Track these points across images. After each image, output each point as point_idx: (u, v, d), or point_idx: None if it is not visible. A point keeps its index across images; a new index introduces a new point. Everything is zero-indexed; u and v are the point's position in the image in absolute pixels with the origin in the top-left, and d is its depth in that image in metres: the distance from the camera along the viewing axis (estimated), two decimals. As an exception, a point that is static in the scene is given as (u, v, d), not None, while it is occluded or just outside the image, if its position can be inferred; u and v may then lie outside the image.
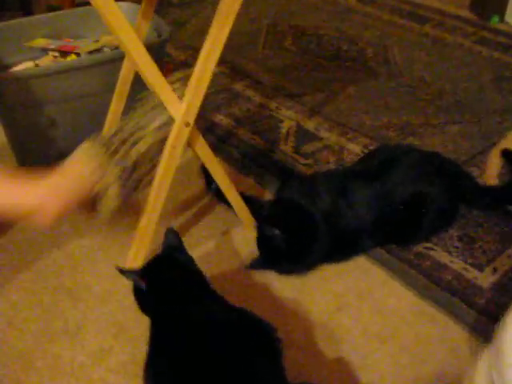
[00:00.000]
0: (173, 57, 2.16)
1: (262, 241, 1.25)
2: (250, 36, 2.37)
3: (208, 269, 1.25)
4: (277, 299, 1.22)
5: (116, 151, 1.09)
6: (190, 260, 1.03)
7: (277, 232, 1.20)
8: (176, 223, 1.40)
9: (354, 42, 2.32)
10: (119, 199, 1.13)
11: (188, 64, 2.14)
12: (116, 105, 1.41)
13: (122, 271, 0.98)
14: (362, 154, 1.60)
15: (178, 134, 1.09)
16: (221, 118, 1.81)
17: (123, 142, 1.09)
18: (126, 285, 1.22)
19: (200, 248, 1.34)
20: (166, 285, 0.97)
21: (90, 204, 1.14)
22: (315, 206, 1.23)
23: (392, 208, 1.26)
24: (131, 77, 1.38)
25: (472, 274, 1.26)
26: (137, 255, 1.21)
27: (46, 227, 1.11)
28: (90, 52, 1.55)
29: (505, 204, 1.42)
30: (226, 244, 1.35)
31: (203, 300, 0.96)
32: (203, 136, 1.65)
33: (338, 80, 2.04)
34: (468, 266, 1.28)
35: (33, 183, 1.07)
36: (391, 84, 2.01)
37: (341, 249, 1.27)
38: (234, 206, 1.30)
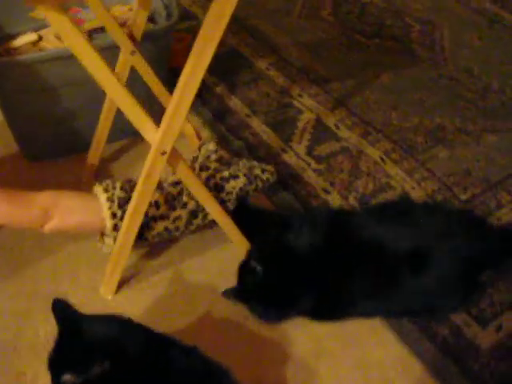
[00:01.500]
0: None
1: (243, 270, 1.15)
2: (287, 0, 2.16)
3: (185, 291, 1.21)
4: (252, 337, 1.14)
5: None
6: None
7: (259, 268, 1.10)
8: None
9: (400, 16, 2.09)
10: None
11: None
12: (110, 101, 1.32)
13: None
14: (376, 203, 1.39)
15: (153, 163, 0.99)
16: (236, 103, 1.68)
17: None
18: (103, 299, 1.20)
19: (178, 266, 1.27)
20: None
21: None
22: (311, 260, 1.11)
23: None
24: (126, 73, 1.27)
25: (473, 329, 1.14)
26: (112, 276, 1.16)
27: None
28: (92, 30, 1.43)
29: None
30: (210, 263, 1.27)
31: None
32: (213, 125, 1.57)
33: (374, 64, 1.85)
34: (470, 319, 1.16)
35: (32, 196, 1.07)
36: (432, 74, 1.81)
37: (330, 309, 1.16)
38: (224, 229, 1.21)
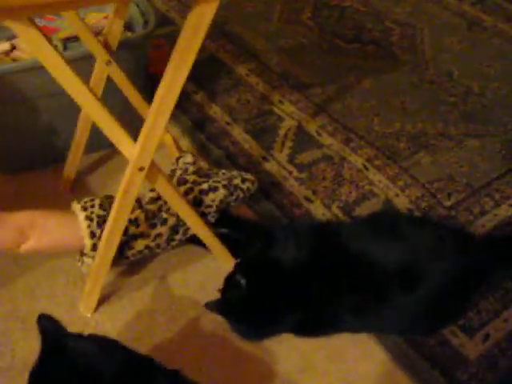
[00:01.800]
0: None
1: (228, 283, 1.12)
2: (266, 4, 2.14)
3: (167, 307, 1.18)
4: (236, 353, 1.11)
5: None
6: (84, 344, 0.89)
7: (243, 281, 1.07)
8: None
9: (380, 20, 2.07)
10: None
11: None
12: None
13: None
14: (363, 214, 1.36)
15: (130, 179, 0.96)
16: (215, 111, 1.65)
17: None
18: (83, 316, 1.17)
19: (160, 282, 1.23)
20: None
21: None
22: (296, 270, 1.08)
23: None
24: (102, 83, 1.24)
25: (460, 339, 1.12)
26: (91, 294, 1.13)
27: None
28: (66, 39, 1.39)
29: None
30: (193, 278, 1.24)
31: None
32: (193, 134, 1.54)
33: (354, 68, 1.83)
34: (457, 329, 1.14)
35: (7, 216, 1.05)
36: (413, 78, 1.80)
37: (314, 324, 1.12)
38: (207, 244, 1.18)
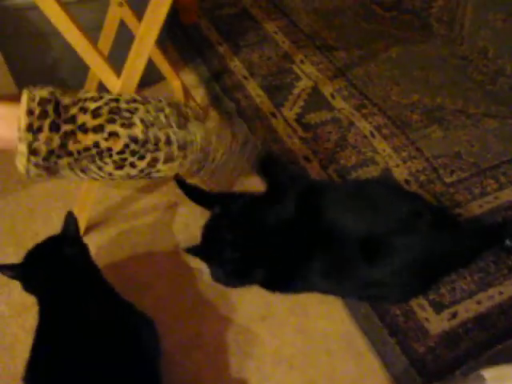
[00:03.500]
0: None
1: (209, 228, 1.15)
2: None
3: (137, 246, 1.23)
4: (200, 294, 1.16)
5: None
6: (80, 252, 0.97)
7: (225, 222, 1.10)
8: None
9: (425, -11, 2.00)
10: None
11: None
12: (102, 47, 1.33)
13: None
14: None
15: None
16: (236, 64, 1.67)
17: None
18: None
19: (138, 220, 1.29)
20: (45, 279, 0.92)
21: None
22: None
23: None
24: (115, 25, 1.28)
25: (426, 313, 1.12)
26: (80, 213, 1.18)
27: None
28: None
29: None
30: (167, 220, 1.29)
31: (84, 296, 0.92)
32: (209, 84, 1.56)
33: (385, 36, 1.79)
34: (425, 303, 1.14)
35: None
36: (444, 52, 1.74)
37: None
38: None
